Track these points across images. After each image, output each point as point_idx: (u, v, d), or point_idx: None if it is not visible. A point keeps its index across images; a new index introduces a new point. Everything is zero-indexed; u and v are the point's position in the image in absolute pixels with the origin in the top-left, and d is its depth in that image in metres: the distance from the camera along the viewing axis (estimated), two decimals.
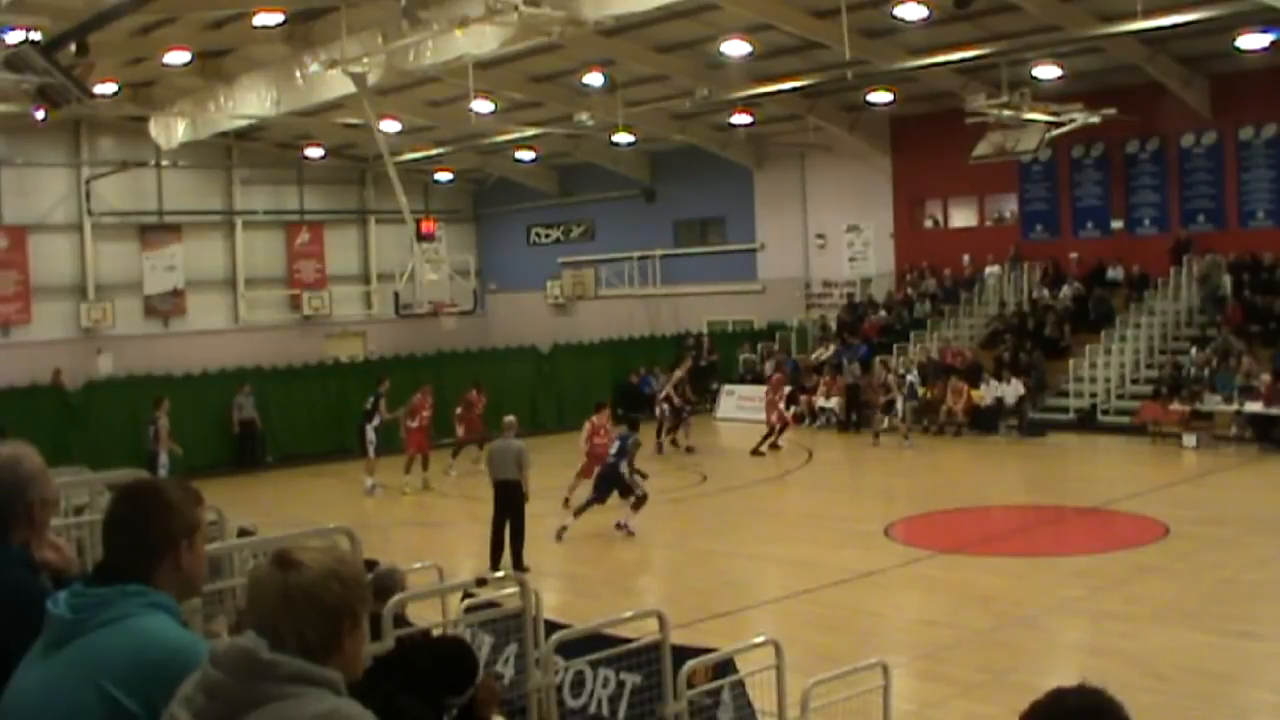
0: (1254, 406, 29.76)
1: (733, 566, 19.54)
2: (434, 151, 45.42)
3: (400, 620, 8.17)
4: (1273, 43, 30.54)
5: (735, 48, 32.62)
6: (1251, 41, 30.62)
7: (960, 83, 34.73)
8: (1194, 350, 32.74)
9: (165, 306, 46.13)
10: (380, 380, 29.97)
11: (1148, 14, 27.40)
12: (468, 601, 10.72)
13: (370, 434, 28.56)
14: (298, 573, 3.19)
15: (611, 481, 21.42)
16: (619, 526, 21.31)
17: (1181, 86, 34.33)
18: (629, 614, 10.75)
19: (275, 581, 3.19)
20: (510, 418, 21.06)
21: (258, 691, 3.09)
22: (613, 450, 21.74)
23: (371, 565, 8.85)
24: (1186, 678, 12.98)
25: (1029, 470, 29.33)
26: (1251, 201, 35.16)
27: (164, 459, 28.33)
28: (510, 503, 19.66)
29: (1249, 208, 35.23)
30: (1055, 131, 33.12)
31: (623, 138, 40.48)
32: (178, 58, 33.67)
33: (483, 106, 37.29)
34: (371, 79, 30.68)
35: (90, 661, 3.48)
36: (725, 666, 9.76)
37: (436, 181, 51.91)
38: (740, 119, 40.97)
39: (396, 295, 35.11)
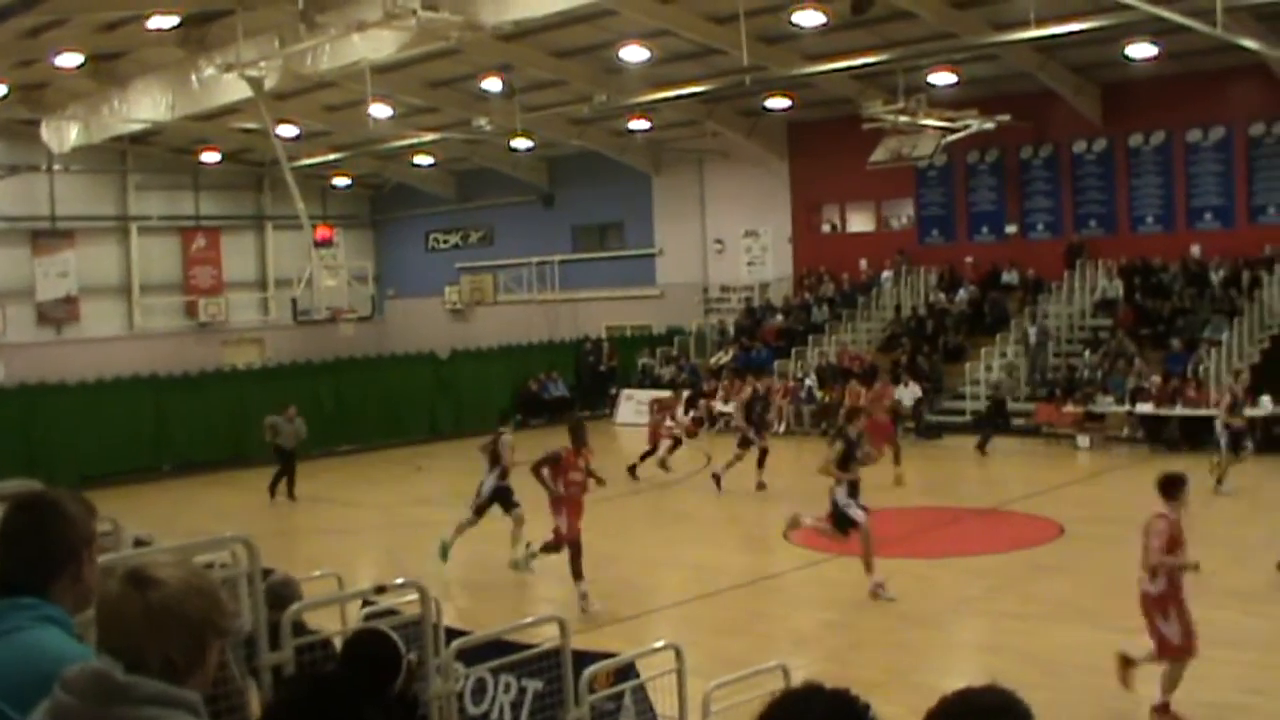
0: (1145, 408, 30.30)
1: (633, 571, 19.55)
2: (331, 156, 44.98)
3: (300, 629, 8.10)
4: (1160, 52, 31.03)
5: (633, 53, 32.65)
6: (1139, 50, 31.10)
7: (857, 89, 35.01)
8: (1087, 353, 33.24)
9: (58, 313, 45.47)
10: (501, 418, 22.21)
11: (1040, 23, 27.75)
12: (367, 609, 10.64)
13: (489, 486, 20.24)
14: (157, 590, 3.09)
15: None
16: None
17: (1073, 94, 34.84)
18: (529, 620, 10.74)
19: (135, 601, 3.08)
20: None
21: (113, 716, 2.99)
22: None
23: (267, 574, 8.77)
24: (1081, 675, 13.15)
25: (926, 472, 29.57)
26: (1141, 207, 35.79)
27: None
28: None
29: (1139, 213, 35.84)
30: (951, 137, 33.51)
31: (521, 143, 40.40)
32: (69, 60, 33.16)
33: (381, 111, 37.06)
34: (268, 83, 30.40)
35: None
36: (626, 671, 9.76)
37: (334, 187, 51.54)
38: (638, 124, 41.03)
39: (294, 301, 34.84)
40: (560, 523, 17.25)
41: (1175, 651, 11.36)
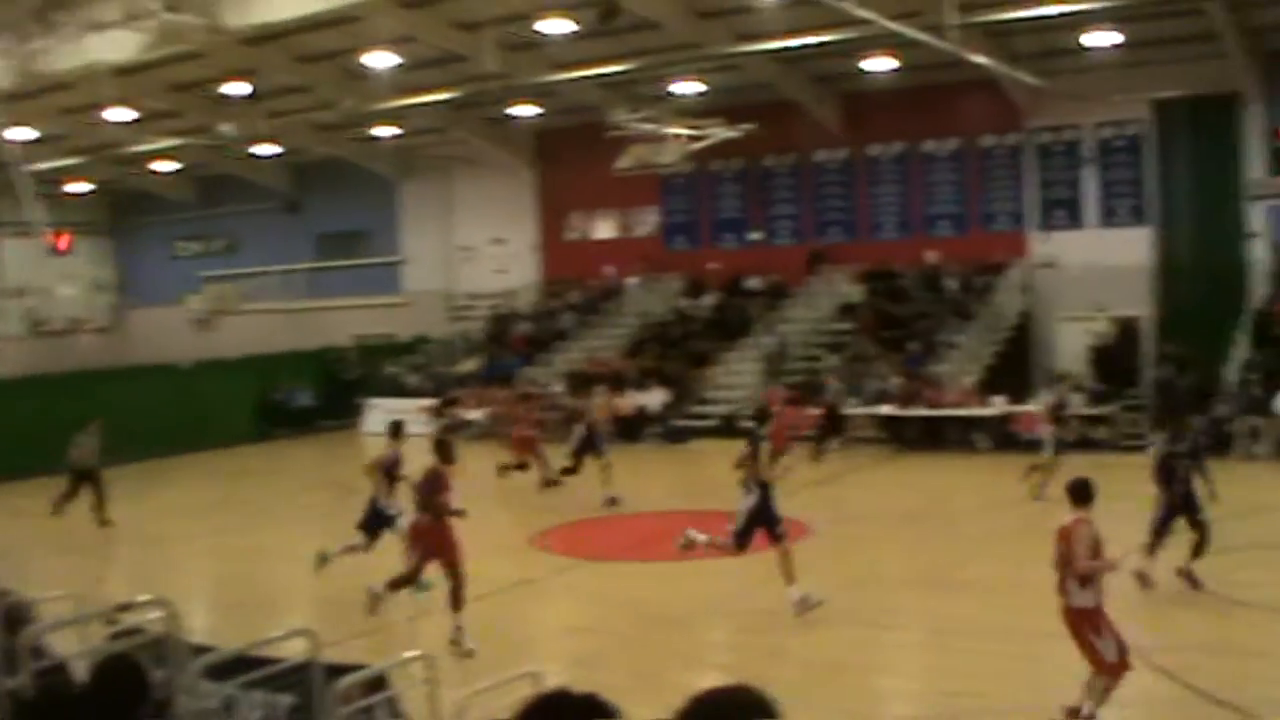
0: (887, 409, 31.12)
1: (383, 580, 19.39)
2: (68, 161, 43.56)
3: (39, 652, 7.88)
4: (899, 66, 31.97)
5: (379, 59, 32.41)
6: (877, 64, 32.01)
7: (604, 97, 35.28)
8: (829, 356, 34.05)
9: None
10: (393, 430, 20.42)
11: (781, 34, 28.39)
12: (111, 629, 10.39)
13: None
14: None
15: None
16: None
17: (815, 104, 35.71)
18: (279, 634, 10.59)
19: None
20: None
21: None
22: None
23: (2, 596, 8.53)
24: (828, 671, 13.48)
25: (673, 476, 29.92)
26: (880, 214, 36.88)
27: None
28: None
29: (878, 220, 36.92)
30: (696, 145, 33.95)
31: (265, 149, 39.76)
32: None
33: (121, 115, 36.11)
34: (1, 83, 29.43)
35: None
36: (378, 683, 9.70)
37: (71, 193, 49.95)
38: (385, 131, 40.75)
39: (28, 312, 33.72)
40: (416, 553, 16.20)
41: (1113, 669, 10.73)
